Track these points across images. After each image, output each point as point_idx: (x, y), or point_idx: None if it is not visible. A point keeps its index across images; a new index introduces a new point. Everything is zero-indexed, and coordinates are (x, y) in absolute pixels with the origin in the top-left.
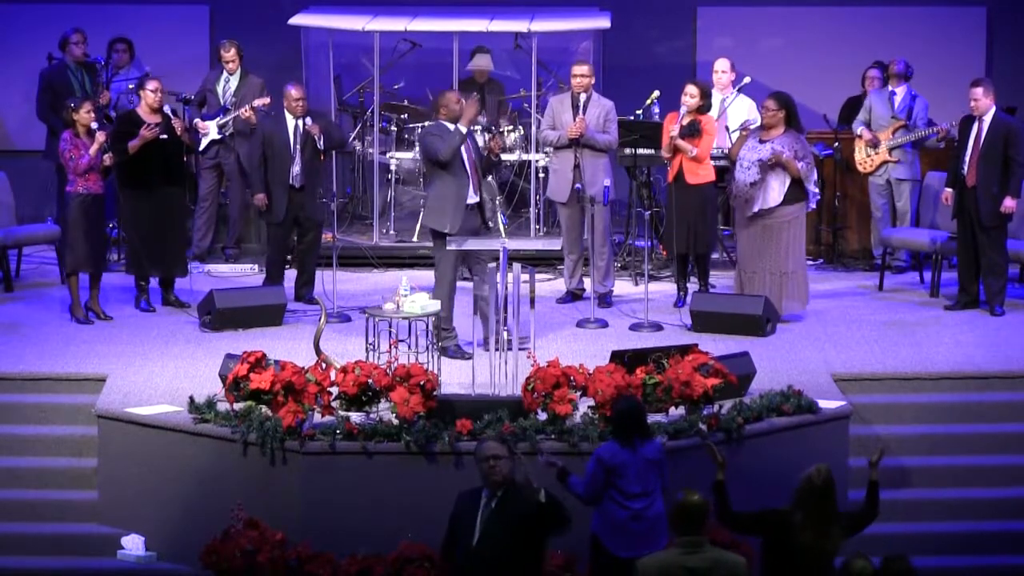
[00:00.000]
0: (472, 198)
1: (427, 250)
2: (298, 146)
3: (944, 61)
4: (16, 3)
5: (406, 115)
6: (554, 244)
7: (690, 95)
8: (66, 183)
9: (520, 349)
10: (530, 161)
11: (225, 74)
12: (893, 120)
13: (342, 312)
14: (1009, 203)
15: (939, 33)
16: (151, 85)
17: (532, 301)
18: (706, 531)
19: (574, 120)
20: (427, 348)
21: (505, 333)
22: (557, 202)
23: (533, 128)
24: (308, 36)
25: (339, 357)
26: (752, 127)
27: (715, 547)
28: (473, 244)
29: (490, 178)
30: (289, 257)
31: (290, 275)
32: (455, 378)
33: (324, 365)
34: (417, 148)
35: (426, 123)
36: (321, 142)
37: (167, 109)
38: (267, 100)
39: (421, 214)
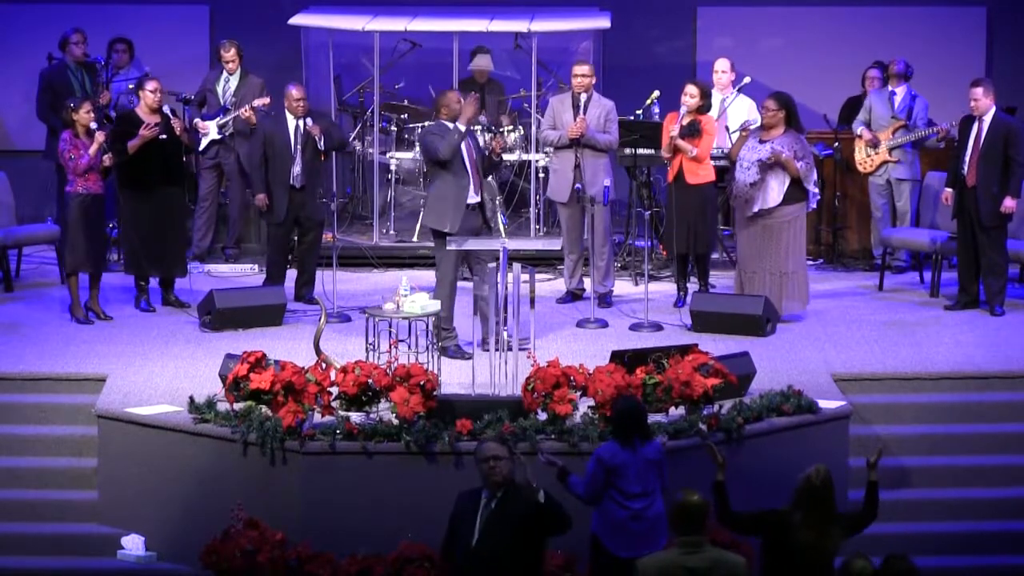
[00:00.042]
0: (473, 198)
1: (427, 250)
2: (299, 146)
3: (944, 61)
4: (16, 3)
5: (406, 115)
6: (554, 244)
7: (690, 95)
8: (66, 183)
9: (520, 350)
10: (530, 161)
11: (225, 74)
12: (893, 120)
13: (342, 312)
14: (1009, 203)
15: (939, 33)
16: (150, 85)
17: (532, 301)
18: (706, 531)
19: (575, 120)
20: (427, 348)
21: (504, 334)
22: (557, 202)
23: (533, 128)
24: (308, 36)
25: (339, 357)
26: (752, 127)
27: (715, 547)
28: (473, 244)
29: (490, 178)
30: (289, 257)
31: (290, 275)
32: (455, 378)
33: (324, 365)
34: (417, 148)
35: (426, 123)
36: (322, 143)
37: (166, 109)
38: (267, 100)
39: (421, 214)
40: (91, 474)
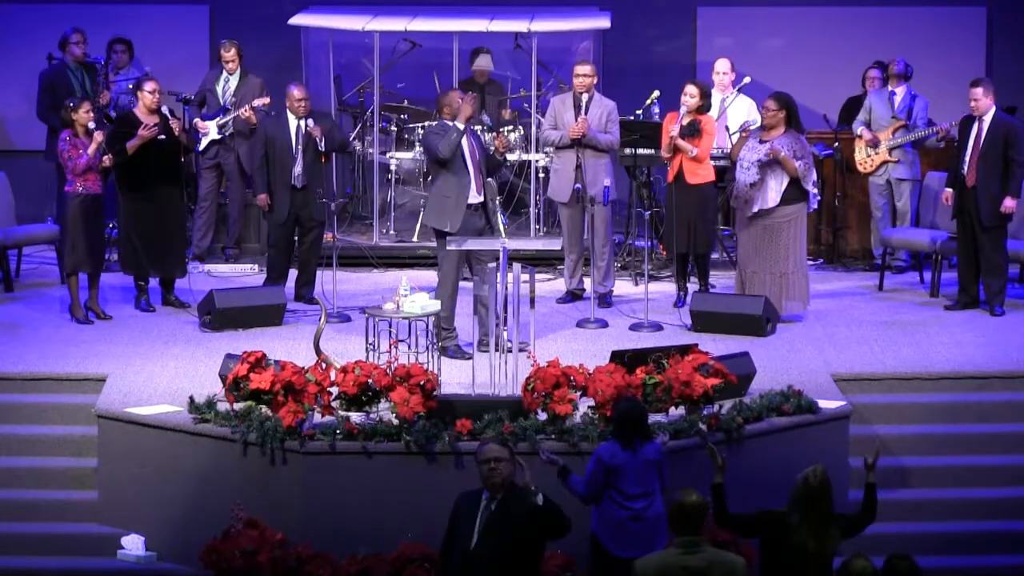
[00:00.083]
0: (475, 198)
1: (427, 250)
2: (300, 146)
3: (944, 61)
4: (16, 3)
5: (406, 115)
6: (554, 244)
7: (690, 95)
8: (65, 183)
9: (520, 350)
10: (530, 161)
11: (225, 74)
12: (893, 120)
13: (342, 312)
14: (1009, 203)
15: (939, 33)
16: (148, 86)
17: (532, 301)
18: (704, 531)
19: (576, 120)
20: (427, 348)
21: (503, 334)
22: (558, 202)
23: (533, 128)
24: (308, 36)
25: (339, 357)
26: (752, 127)
27: (713, 547)
28: (472, 244)
29: (490, 178)
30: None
31: (290, 275)
32: (455, 378)
33: (324, 365)
34: (418, 147)
35: (426, 122)
36: (322, 144)
37: (164, 110)
38: (267, 100)
39: (421, 214)
40: (91, 474)
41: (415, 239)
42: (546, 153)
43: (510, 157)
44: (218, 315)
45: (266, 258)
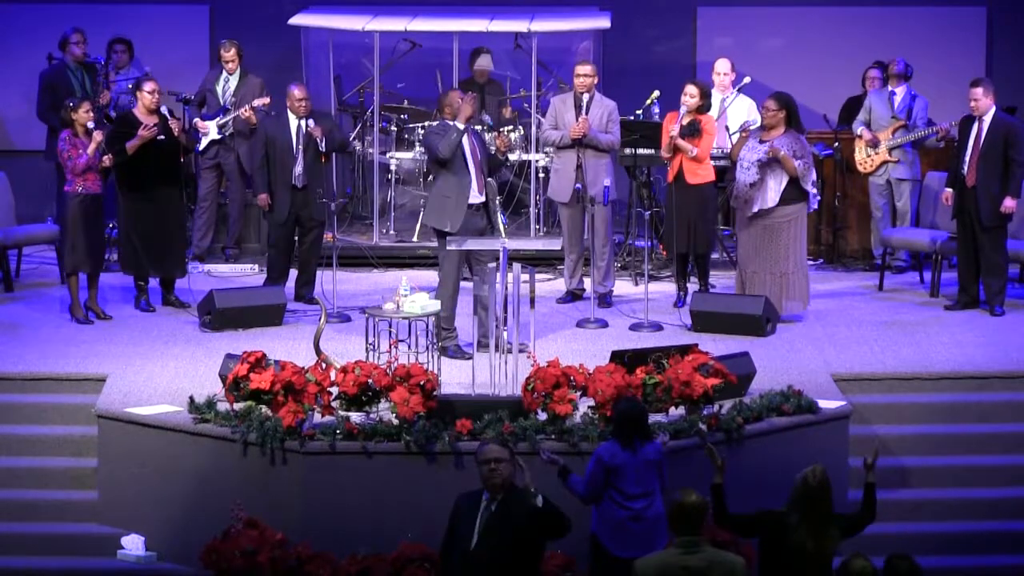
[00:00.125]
0: (476, 198)
1: (427, 250)
2: (300, 146)
3: (944, 61)
4: (16, 3)
5: (406, 115)
6: (554, 244)
7: (690, 95)
8: (65, 183)
9: (520, 351)
10: (530, 161)
11: (224, 74)
12: (893, 120)
13: (342, 312)
14: (1009, 203)
15: (939, 33)
16: (148, 86)
17: (532, 301)
18: (704, 531)
19: (577, 120)
20: (427, 348)
21: (503, 334)
22: (558, 202)
23: (533, 128)
24: (308, 36)
25: (339, 357)
26: (752, 128)
27: (713, 547)
28: (472, 244)
29: (490, 178)
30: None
31: (290, 275)
32: (455, 378)
33: (324, 365)
34: (418, 147)
35: (427, 122)
36: (323, 144)
37: (163, 110)
38: (267, 100)
39: (421, 214)
40: (91, 474)
41: (415, 239)
42: (546, 153)
43: (511, 157)
44: (218, 315)
45: (266, 258)
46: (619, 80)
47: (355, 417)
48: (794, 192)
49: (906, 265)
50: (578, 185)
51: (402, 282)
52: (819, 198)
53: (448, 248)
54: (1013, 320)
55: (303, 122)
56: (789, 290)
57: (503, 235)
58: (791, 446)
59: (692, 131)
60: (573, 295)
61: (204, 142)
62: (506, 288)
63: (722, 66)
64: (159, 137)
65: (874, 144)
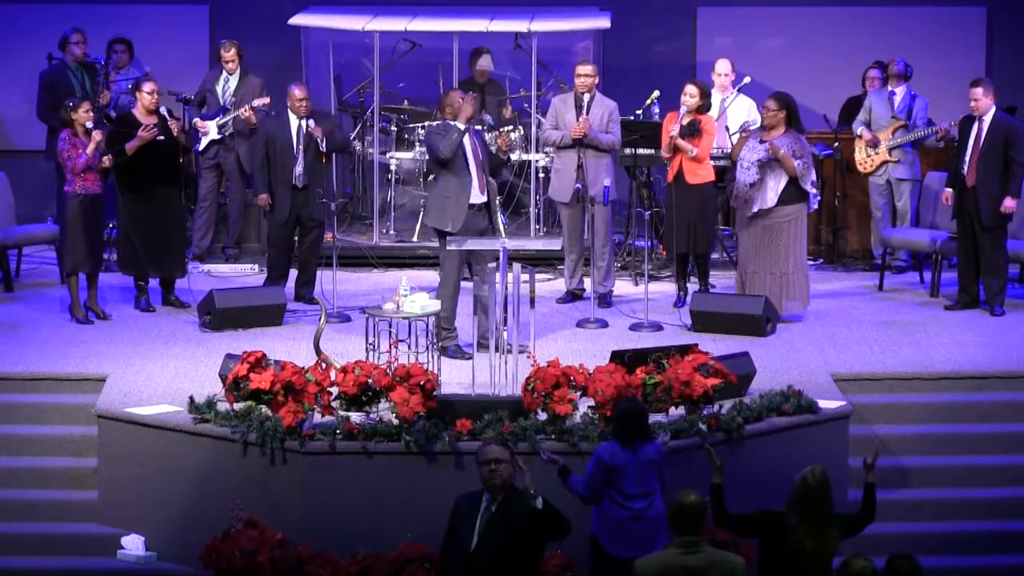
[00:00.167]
0: (478, 198)
1: (427, 250)
2: (301, 146)
3: (944, 61)
4: (16, 3)
5: (406, 115)
6: (554, 244)
7: (690, 95)
8: (65, 183)
9: (520, 351)
10: (530, 161)
11: (224, 74)
12: (893, 120)
13: (342, 312)
14: (1009, 203)
15: (939, 33)
16: (147, 87)
17: (532, 301)
18: (704, 531)
19: (577, 120)
20: (427, 348)
21: (504, 335)
22: (559, 202)
23: (533, 128)
24: (308, 36)
25: (339, 357)
26: (752, 128)
27: (713, 547)
28: (472, 244)
29: (492, 178)
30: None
31: (290, 275)
32: (455, 378)
33: (324, 365)
34: (418, 147)
35: (427, 122)
36: (323, 144)
37: (162, 110)
38: (267, 100)
39: (421, 214)
40: (91, 474)
41: (415, 239)
42: (546, 153)
43: (511, 157)
44: (218, 315)
45: (266, 258)
46: (619, 80)
47: (355, 417)
48: (793, 192)
49: (906, 265)
50: (578, 185)
51: (402, 282)
52: (819, 198)
53: (448, 248)
54: (1013, 320)
55: (304, 122)
56: (789, 290)
57: (503, 235)
58: (791, 446)
59: (692, 131)
60: (573, 295)
61: (204, 142)
62: (506, 288)
63: (722, 67)
64: (158, 137)
65: (874, 144)
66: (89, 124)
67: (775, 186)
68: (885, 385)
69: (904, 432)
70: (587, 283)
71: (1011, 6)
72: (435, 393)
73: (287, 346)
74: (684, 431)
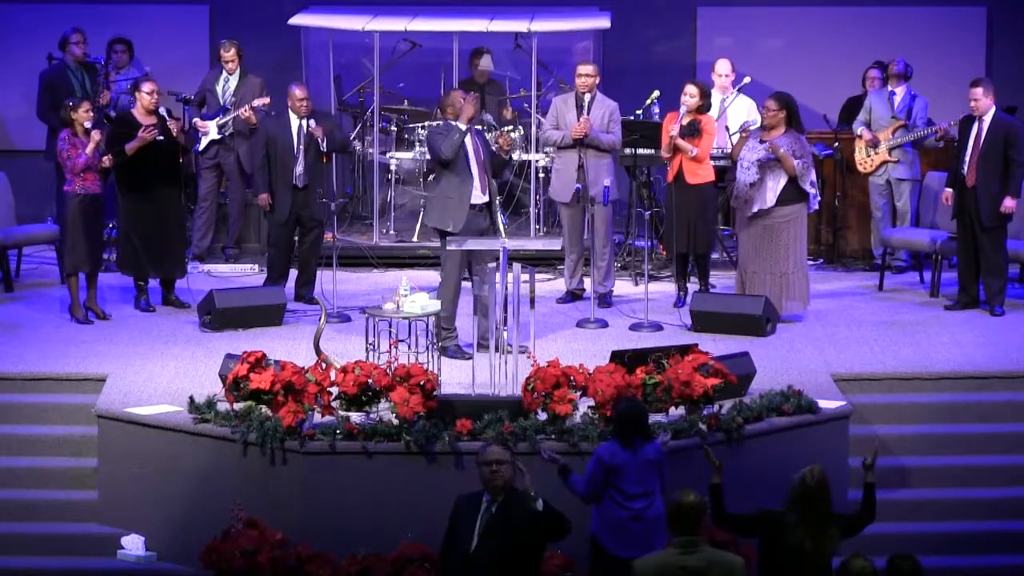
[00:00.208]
0: (480, 198)
1: (427, 250)
2: (301, 146)
3: (944, 61)
4: (16, 3)
5: (406, 115)
6: (554, 244)
7: (690, 95)
8: (65, 183)
9: (520, 352)
10: (530, 161)
11: (224, 74)
12: (893, 120)
13: (342, 312)
14: (1009, 203)
15: (939, 33)
16: (146, 87)
17: (532, 301)
18: (704, 531)
19: (578, 120)
20: (427, 348)
21: (504, 335)
22: (559, 202)
23: (533, 128)
24: (308, 36)
25: (339, 357)
26: (752, 128)
27: (712, 547)
28: (472, 244)
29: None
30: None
31: (290, 275)
32: (455, 378)
33: (324, 365)
34: (417, 147)
35: (427, 122)
36: (324, 144)
37: (162, 110)
38: (267, 100)
39: (421, 214)
40: (91, 474)
41: (415, 239)
42: (546, 153)
43: (513, 156)
44: (218, 315)
45: (266, 258)
46: (619, 80)
47: (355, 417)
48: (793, 192)
49: (906, 265)
50: (578, 185)
51: (402, 282)
52: (819, 198)
53: (448, 248)
54: (1013, 320)
55: (304, 122)
56: (789, 290)
57: (503, 235)
58: (791, 446)
59: (692, 131)
60: (573, 295)
61: (204, 142)
62: (506, 288)
63: (723, 67)
64: (158, 138)
65: (874, 144)
66: (87, 124)
67: (774, 186)
68: (885, 385)
69: (904, 432)
70: (587, 283)
71: (1011, 6)
72: (435, 393)
73: (287, 346)
74: (684, 431)
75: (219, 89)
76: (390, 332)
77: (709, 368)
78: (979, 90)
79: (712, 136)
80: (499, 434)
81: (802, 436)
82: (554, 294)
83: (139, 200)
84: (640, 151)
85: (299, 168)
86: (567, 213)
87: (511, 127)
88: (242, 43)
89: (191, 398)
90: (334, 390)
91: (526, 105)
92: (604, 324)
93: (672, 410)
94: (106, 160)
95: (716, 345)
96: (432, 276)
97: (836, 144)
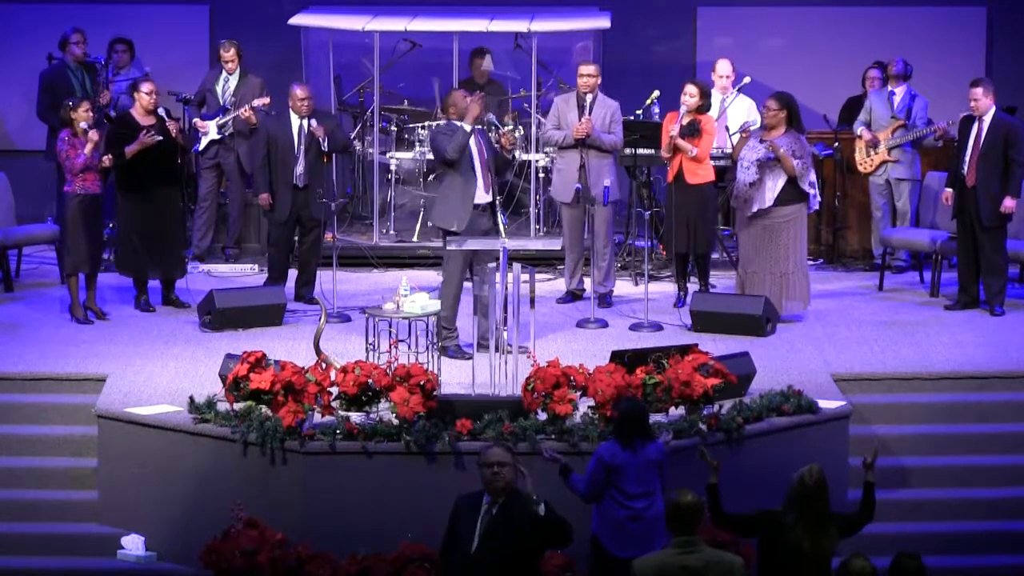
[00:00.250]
0: (483, 198)
1: (427, 250)
2: (302, 146)
3: (944, 61)
4: (16, 3)
5: (406, 115)
6: (554, 244)
7: (690, 95)
8: (64, 183)
9: (520, 352)
10: (530, 161)
11: (224, 74)
12: (893, 120)
13: (342, 312)
14: (1009, 203)
15: (939, 33)
16: (145, 87)
17: (532, 301)
18: (703, 531)
19: (580, 120)
20: (427, 348)
21: (504, 335)
22: (560, 202)
23: (533, 128)
24: (308, 36)
25: (339, 357)
26: (752, 128)
27: (711, 547)
28: (473, 244)
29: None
30: (290, 257)
31: (291, 275)
32: (455, 378)
33: (324, 365)
34: (417, 147)
35: (427, 122)
36: (325, 144)
37: (161, 111)
38: (267, 100)
39: (421, 214)
40: (91, 474)
41: (415, 239)
42: (546, 153)
43: (515, 155)
44: (218, 315)
45: (266, 258)
46: (619, 80)
47: (355, 417)
48: (792, 192)
49: (906, 265)
50: (578, 185)
51: (402, 282)
52: (819, 198)
53: (448, 248)
54: (1013, 320)
55: (305, 122)
56: (789, 290)
57: (503, 235)
58: (791, 446)
59: (692, 131)
60: (573, 295)
61: (204, 142)
62: (506, 288)
63: (723, 68)
64: (157, 138)
65: (874, 144)
66: (84, 125)
67: (773, 186)
68: (885, 385)
69: (904, 432)
70: (587, 283)
71: (1011, 6)
72: (435, 393)
73: (287, 346)
74: (684, 431)
75: (219, 89)
76: (390, 332)
77: (709, 368)
78: (979, 90)
79: (712, 136)
80: (499, 434)
81: (802, 436)
82: (554, 294)
83: (139, 200)
84: (640, 151)
85: (300, 168)
86: (568, 213)
87: (511, 127)
88: (242, 43)
89: (191, 398)
90: (334, 390)
91: (526, 105)
92: (604, 324)
93: (672, 410)
94: (106, 160)
95: (716, 345)
96: (432, 276)
97: (836, 144)
